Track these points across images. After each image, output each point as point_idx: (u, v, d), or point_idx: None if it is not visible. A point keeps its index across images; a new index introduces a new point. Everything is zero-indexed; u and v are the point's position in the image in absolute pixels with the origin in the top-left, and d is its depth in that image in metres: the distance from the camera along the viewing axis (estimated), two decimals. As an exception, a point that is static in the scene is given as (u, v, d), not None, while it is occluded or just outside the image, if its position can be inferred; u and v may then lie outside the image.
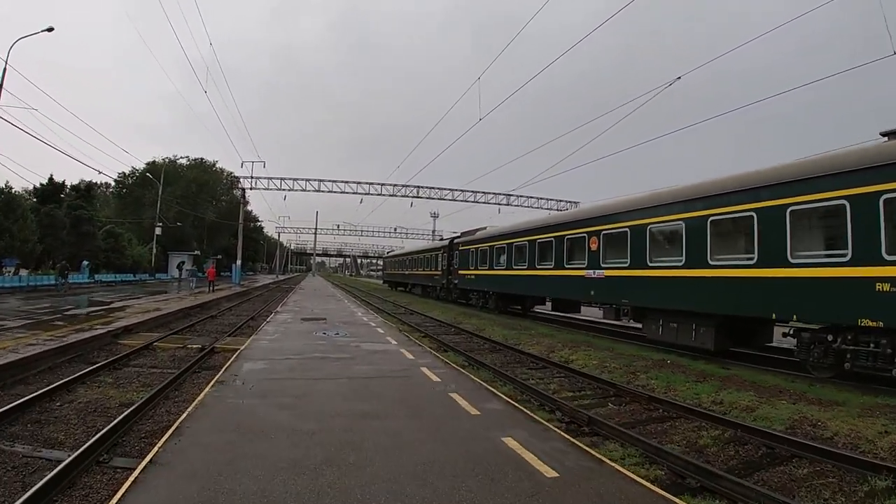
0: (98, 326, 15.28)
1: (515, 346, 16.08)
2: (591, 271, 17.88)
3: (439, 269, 36.42)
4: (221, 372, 9.62)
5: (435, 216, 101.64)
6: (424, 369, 10.24)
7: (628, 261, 16.07)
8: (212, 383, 8.76)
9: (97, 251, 45.09)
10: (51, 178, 42.49)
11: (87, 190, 46.95)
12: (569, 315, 24.25)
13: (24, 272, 33.85)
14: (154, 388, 9.20)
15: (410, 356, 11.87)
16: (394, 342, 14.21)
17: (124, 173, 63.64)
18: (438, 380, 9.34)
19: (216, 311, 24.60)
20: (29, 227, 35.69)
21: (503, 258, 25.46)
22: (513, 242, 24.27)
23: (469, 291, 30.94)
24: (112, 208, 68.78)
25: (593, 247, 17.86)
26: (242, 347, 12.65)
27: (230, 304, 29.50)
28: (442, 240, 40.51)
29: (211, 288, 37.50)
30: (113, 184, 66.68)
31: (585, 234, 18.33)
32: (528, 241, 22.75)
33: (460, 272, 31.43)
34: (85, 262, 41.51)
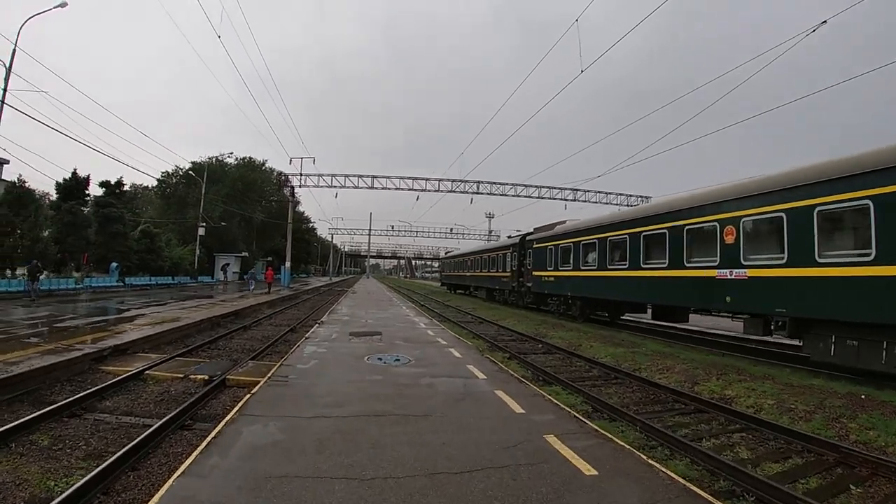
0: (80, 346, 11.56)
1: (635, 372, 12.02)
2: (727, 271, 13.49)
3: (508, 270, 31.93)
4: (206, 443, 5.56)
5: (490, 217, 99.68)
6: (553, 440, 5.87)
7: (785, 256, 11.71)
8: (177, 475, 4.75)
9: (128, 252, 41.93)
10: (74, 173, 38.95)
11: (117, 186, 43.52)
12: (672, 325, 19.84)
13: (42, 275, 31.13)
14: (103, 461, 5.54)
15: (517, 406, 7.45)
16: (481, 375, 9.83)
17: (167, 172, 61.04)
18: (593, 470, 5.01)
19: (251, 321, 20.87)
20: (40, 225, 32.69)
21: (592, 256, 21.03)
22: (606, 237, 19.79)
23: (545, 296, 26.45)
24: (155, 208, 66.57)
25: (729, 239, 13.44)
26: (262, 383, 8.66)
27: (272, 311, 25.85)
28: (511, 237, 35.80)
29: (269, 289, 39.30)
30: (156, 183, 64.19)
31: (716, 223, 13.92)
32: (628, 234, 18.28)
33: (534, 273, 26.95)
34: (113, 264, 38.40)
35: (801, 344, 12.19)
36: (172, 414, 7.34)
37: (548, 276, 25.06)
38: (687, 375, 11.18)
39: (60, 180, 37.73)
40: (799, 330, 11.85)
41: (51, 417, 7.20)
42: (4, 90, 24.28)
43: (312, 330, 16.55)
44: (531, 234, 28.79)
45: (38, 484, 5.20)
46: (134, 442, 6.10)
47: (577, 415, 7.30)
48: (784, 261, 11.74)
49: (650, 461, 5.48)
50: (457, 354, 12.25)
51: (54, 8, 25.96)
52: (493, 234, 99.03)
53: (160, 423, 6.91)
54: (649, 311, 19.94)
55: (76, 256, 37.00)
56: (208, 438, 5.70)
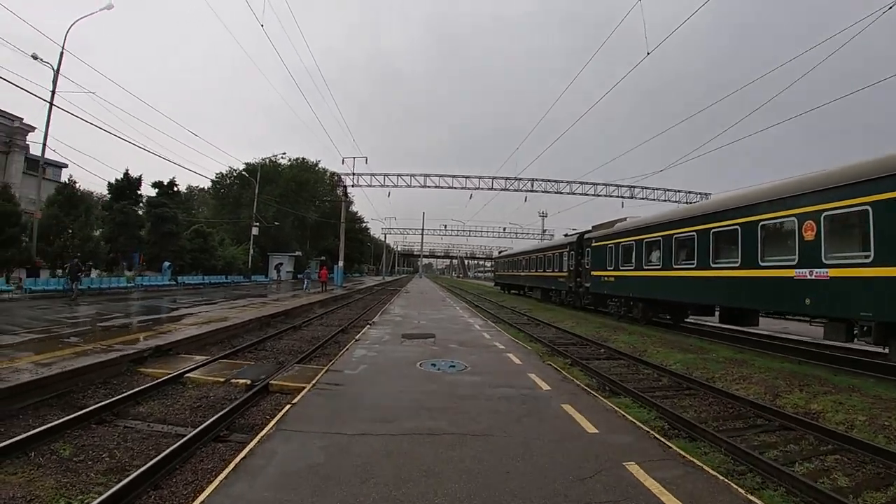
0: (120, 346, 11.21)
1: (709, 381, 10.99)
2: (806, 271, 12.30)
3: (565, 269, 30.72)
4: (234, 465, 4.92)
5: (543, 215, 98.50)
6: (636, 469, 5.01)
7: (871, 254, 10.54)
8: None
9: (181, 251, 42.06)
10: (126, 174, 39.33)
11: (170, 187, 43.68)
12: (740, 329, 18.56)
13: (94, 273, 31.44)
14: (125, 477, 5.01)
15: (588, 424, 6.55)
16: (544, 385, 8.93)
17: (222, 173, 62.51)
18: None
19: (302, 320, 20.50)
20: (91, 225, 33.21)
21: (655, 255, 19.90)
22: (672, 234, 18.63)
23: (605, 297, 25.18)
24: (210, 208, 68.01)
25: (808, 235, 12.26)
26: (306, 390, 8.11)
27: (323, 311, 25.51)
28: (567, 235, 34.53)
29: (324, 288, 40.31)
30: (210, 184, 65.26)
31: (794, 218, 12.73)
32: (695, 231, 17.12)
33: (593, 273, 25.77)
34: (166, 264, 38.59)
35: (886, 351, 10.99)
36: (207, 423, 6.79)
37: (607, 276, 23.95)
38: (766, 386, 10.17)
39: (112, 181, 38.53)
40: (886, 336, 10.67)
41: (77, 424, 6.76)
42: (53, 92, 24.59)
43: (363, 331, 16.01)
44: (589, 232, 27.62)
45: (49, 501, 4.73)
46: (161, 455, 5.55)
47: (656, 435, 6.40)
48: (870, 259, 10.59)
49: (750, 497, 4.60)
50: (516, 360, 11.40)
51: (101, 10, 26.20)
52: (546, 232, 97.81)
53: (193, 433, 6.39)
54: (716, 313, 18.74)
55: (128, 255, 37.46)
56: (237, 459, 5.06)
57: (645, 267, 20.48)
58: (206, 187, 71.51)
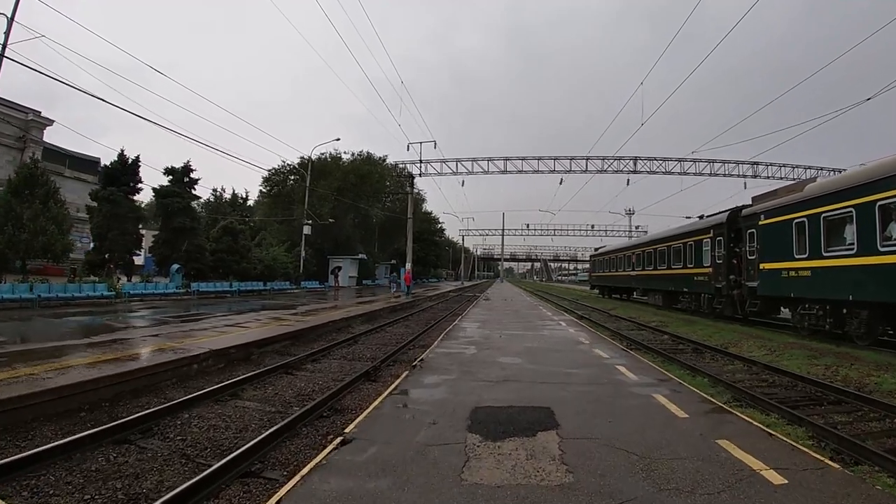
0: None
1: None
2: None
3: (706, 263, 21.78)
4: None
5: (630, 213, 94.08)
6: None
7: None
8: None
9: (199, 252, 34.47)
10: (121, 154, 31.98)
11: (184, 173, 35.88)
12: None
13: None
14: None
15: None
16: None
17: (275, 168, 54.86)
18: None
19: (314, 350, 12.90)
20: (49, 215, 25.43)
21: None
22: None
23: (788, 301, 16.54)
24: (262, 208, 60.86)
25: None
26: None
27: (366, 329, 18.09)
28: (705, 217, 24.77)
29: (408, 291, 38.36)
30: (262, 182, 58.20)
31: None
32: None
33: (764, 267, 17.01)
34: (174, 266, 31.07)
35: None
36: None
37: (795, 269, 15.27)
38: None
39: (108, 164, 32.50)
40: None
41: None
42: (4, 45, 19.34)
43: (399, 381, 8.48)
44: (749, 206, 18.89)
45: None
46: None
47: None
48: None
49: None
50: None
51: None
52: (638, 228, 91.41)
53: None
54: None
55: (121, 255, 30.98)
56: None
57: (882, 248, 12.10)
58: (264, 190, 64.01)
